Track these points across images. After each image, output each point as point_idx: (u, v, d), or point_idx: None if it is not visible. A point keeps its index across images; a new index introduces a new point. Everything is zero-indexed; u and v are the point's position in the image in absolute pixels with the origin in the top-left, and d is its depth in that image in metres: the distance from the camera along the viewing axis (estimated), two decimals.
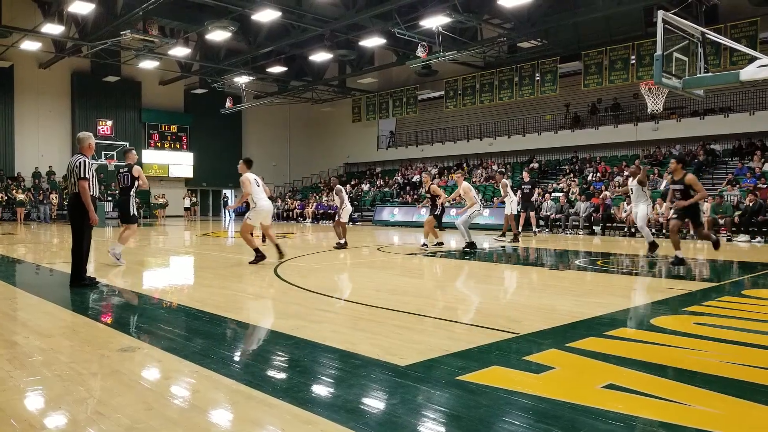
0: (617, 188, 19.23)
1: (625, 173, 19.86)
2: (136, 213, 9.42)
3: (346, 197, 12.94)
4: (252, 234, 9.36)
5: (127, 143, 29.02)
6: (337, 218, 13.08)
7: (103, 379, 3.42)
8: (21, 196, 25.75)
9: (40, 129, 29.81)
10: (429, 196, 12.56)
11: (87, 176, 6.71)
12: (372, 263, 10.15)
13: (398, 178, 31.75)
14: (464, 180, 12.44)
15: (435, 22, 20.17)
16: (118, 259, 9.11)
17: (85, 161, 6.79)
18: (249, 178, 9.12)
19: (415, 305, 5.75)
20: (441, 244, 13.10)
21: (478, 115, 30.36)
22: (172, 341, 4.38)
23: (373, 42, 24.04)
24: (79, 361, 3.74)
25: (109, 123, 31.00)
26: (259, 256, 9.10)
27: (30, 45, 24.83)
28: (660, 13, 6.98)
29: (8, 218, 25.92)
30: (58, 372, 3.51)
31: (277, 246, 9.53)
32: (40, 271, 8.96)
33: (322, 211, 29.60)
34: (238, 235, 16.33)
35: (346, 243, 12.67)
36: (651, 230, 12.61)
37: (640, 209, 10.61)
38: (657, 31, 6.95)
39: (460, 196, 12.18)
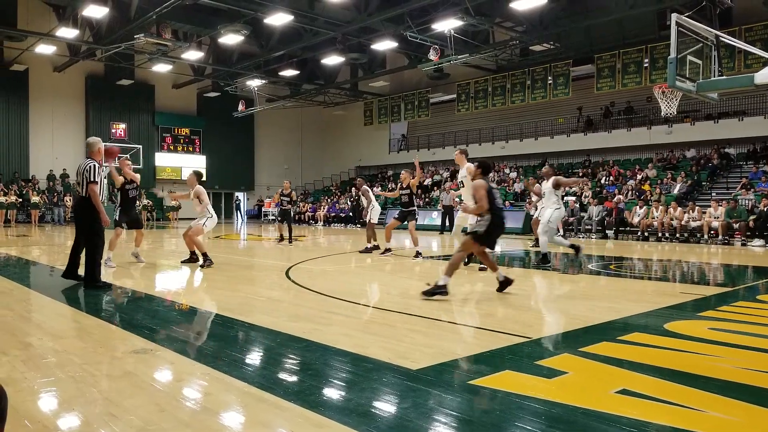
0: (531, 186, 15.08)
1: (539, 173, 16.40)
2: (117, 218, 10.06)
3: (373, 197, 12.90)
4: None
5: (141, 146, 29.34)
6: (368, 220, 12.65)
7: (116, 381, 3.44)
8: (35, 199, 25.99)
9: (54, 132, 30.10)
10: (407, 192, 11.26)
11: (97, 180, 6.88)
12: (383, 266, 10.14)
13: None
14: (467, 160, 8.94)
15: (447, 25, 20.15)
16: (137, 257, 10.06)
17: (95, 165, 6.94)
18: (203, 190, 9.62)
19: (427, 309, 5.73)
20: (389, 250, 11.72)
21: (490, 118, 30.26)
22: (184, 343, 4.40)
23: (385, 45, 24.06)
24: (92, 363, 3.77)
25: (123, 126, 31.26)
26: (209, 262, 9.26)
27: (45, 49, 25.15)
28: (674, 16, 6.93)
29: (23, 220, 26.19)
30: (72, 373, 3.53)
31: (195, 253, 9.82)
32: (54, 273, 9.04)
33: (333, 214, 29.64)
34: (250, 237, 16.35)
35: (377, 246, 12.13)
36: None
37: (545, 213, 9.71)
38: (671, 34, 6.90)
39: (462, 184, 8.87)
